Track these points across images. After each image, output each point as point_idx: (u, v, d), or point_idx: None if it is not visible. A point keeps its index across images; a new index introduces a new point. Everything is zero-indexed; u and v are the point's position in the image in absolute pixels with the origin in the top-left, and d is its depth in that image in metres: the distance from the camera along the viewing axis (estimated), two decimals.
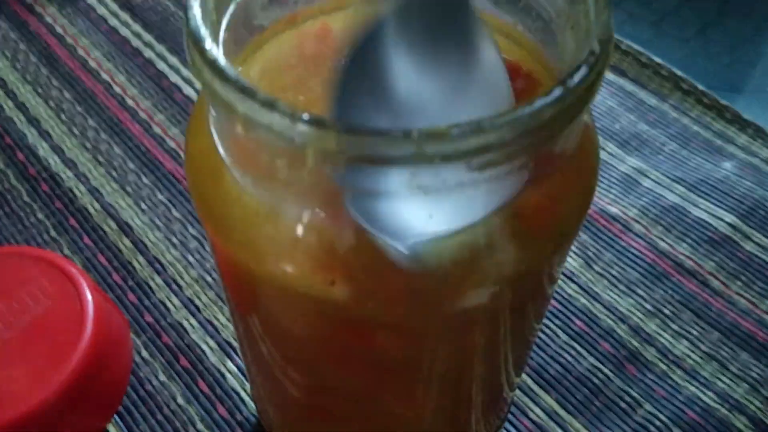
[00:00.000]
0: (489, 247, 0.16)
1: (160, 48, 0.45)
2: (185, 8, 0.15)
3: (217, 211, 0.17)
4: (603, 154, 0.40)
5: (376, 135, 0.12)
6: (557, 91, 0.13)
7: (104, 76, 0.44)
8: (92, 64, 0.45)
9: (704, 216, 0.38)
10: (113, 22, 0.47)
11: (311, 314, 0.17)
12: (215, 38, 0.15)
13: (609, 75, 0.44)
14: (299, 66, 0.18)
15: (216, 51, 0.14)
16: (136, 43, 0.46)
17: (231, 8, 0.16)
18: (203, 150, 0.17)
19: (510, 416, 0.31)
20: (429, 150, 0.13)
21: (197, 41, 0.14)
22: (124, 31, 0.46)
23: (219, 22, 0.16)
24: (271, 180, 0.15)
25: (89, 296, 0.30)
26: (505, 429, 0.31)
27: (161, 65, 0.44)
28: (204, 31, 0.14)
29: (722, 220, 0.37)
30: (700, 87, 0.43)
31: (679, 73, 0.44)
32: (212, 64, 0.13)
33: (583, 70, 0.13)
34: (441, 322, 0.17)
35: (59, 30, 0.46)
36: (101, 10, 0.48)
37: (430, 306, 0.16)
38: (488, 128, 0.13)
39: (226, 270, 0.19)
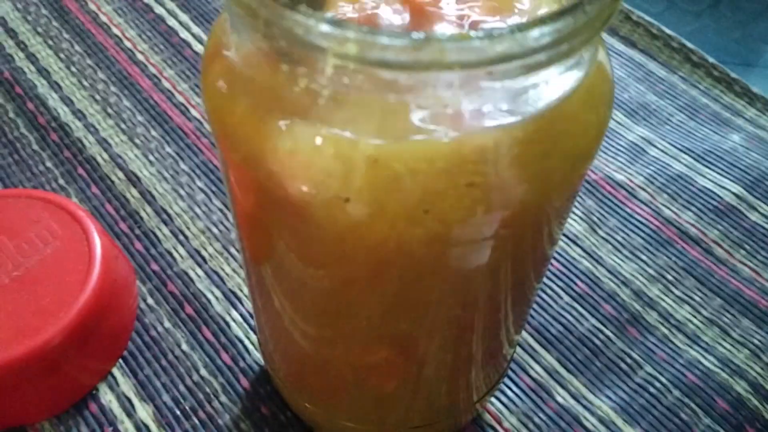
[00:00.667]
0: (500, 171, 0.16)
1: (171, 5, 0.45)
2: None
3: (233, 132, 0.17)
4: (611, 123, 0.41)
5: (397, 38, 0.13)
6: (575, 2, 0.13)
7: (115, 30, 0.44)
8: (103, 18, 0.44)
9: (710, 185, 0.38)
10: None
11: (324, 238, 0.17)
12: None
13: (619, 45, 0.44)
14: None
15: None
16: None
17: None
18: (220, 72, 0.17)
19: (511, 373, 0.31)
20: (451, 56, 0.13)
21: None
22: None
23: None
24: (288, 93, 0.15)
25: (97, 239, 0.30)
26: (506, 385, 0.31)
27: (171, 21, 0.44)
28: None
29: (728, 189, 0.37)
30: (710, 60, 0.43)
31: (689, 45, 0.43)
32: None
33: None
34: (449, 250, 0.17)
35: None
36: None
37: (442, 227, 0.16)
38: (509, 35, 0.13)
39: (241, 198, 0.19)
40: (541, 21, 0.13)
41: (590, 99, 0.17)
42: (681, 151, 0.39)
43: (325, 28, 0.13)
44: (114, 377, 0.30)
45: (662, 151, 0.39)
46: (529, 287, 0.24)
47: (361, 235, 0.16)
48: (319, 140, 0.15)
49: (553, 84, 0.15)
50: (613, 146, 0.39)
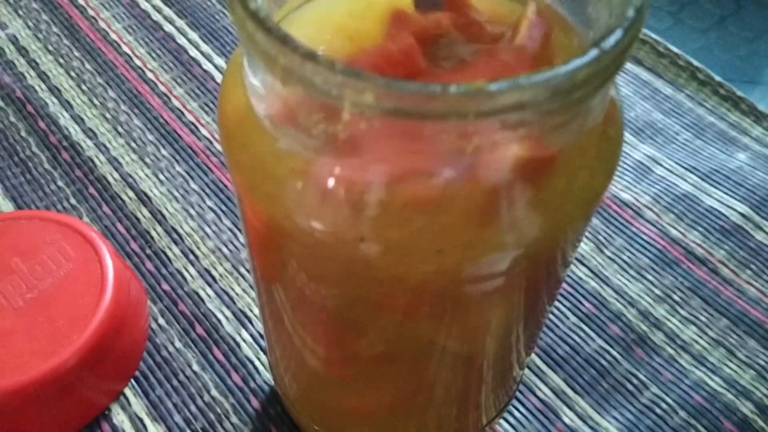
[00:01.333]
0: (513, 212, 0.16)
1: (181, 23, 0.46)
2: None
3: (249, 167, 0.17)
4: None
5: (414, 89, 0.13)
6: (593, 52, 0.13)
7: (125, 48, 0.44)
8: (113, 36, 0.45)
9: (716, 205, 0.38)
10: None
11: (338, 272, 0.17)
12: None
13: (626, 63, 0.45)
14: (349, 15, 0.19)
15: (258, 1, 0.14)
16: (156, 17, 0.46)
17: None
18: (237, 106, 0.18)
19: (518, 393, 0.31)
20: (465, 106, 0.13)
21: None
22: (145, 5, 0.47)
23: None
24: (305, 135, 0.16)
25: (109, 261, 0.31)
26: (514, 406, 0.31)
27: (181, 40, 0.45)
28: None
29: (734, 209, 0.38)
30: (717, 78, 0.43)
31: (695, 63, 0.44)
32: (254, 14, 0.14)
33: (618, 33, 0.14)
34: (463, 287, 0.18)
35: (81, 1, 0.47)
36: None
37: (455, 266, 0.16)
38: (524, 85, 0.13)
39: (254, 228, 0.20)
40: (557, 70, 0.13)
41: (603, 137, 0.18)
42: (687, 170, 0.39)
43: (342, 78, 0.13)
44: (126, 397, 0.31)
45: (668, 170, 0.39)
46: (541, 311, 0.25)
47: (375, 272, 0.16)
48: (333, 181, 0.16)
49: (567, 126, 0.16)
50: (619, 165, 0.39)
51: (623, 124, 0.19)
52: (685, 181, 0.39)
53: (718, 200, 0.38)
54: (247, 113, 0.17)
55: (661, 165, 0.40)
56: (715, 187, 0.39)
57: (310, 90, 0.14)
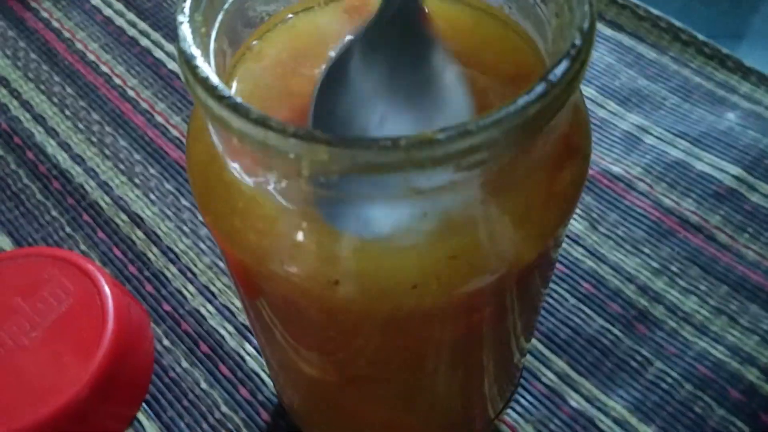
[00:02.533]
0: (483, 239, 0.16)
1: (156, 36, 0.46)
2: (175, 25, 0.15)
3: (221, 215, 0.17)
4: (603, 113, 0.40)
5: (366, 145, 0.13)
6: (539, 88, 0.13)
7: (103, 68, 0.44)
8: (91, 57, 0.45)
9: (708, 169, 0.38)
10: (108, 12, 0.47)
11: (317, 311, 0.18)
12: (206, 53, 0.15)
13: (606, 30, 0.44)
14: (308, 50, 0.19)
15: (208, 69, 0.14)
16: (132, 32, 0.46)
17: (220, 17, 0.17)
18: (204, 155, 0.18)
19: (523, 381, 0.32)
20: (418, 156, 0.13)
21: (188, 60, 0.14)
22: (119, 21, 0.46)
23: (209, 34, 0.16)
24: (270, 187, 0.16)
25: (108, 291, 0.31)
26: (519, 394, 0.31)
27: (158, 53, 0.45)
28: (195, 50, 0.14)
29: (727, 172, 0.37)
30: (700, 37, 0.43)
31: (678, 24, 0.43)
32: (204, 82, 0.14)
33: (564, 65, 0.14)
34: (447, 310, 0.18)
35: (56, 24, 0.47)
36: (95, 1, 0.47)
37: (433, 298, 0.16)
38: (474, 130, 0.13)
39: (234, 268, 0.20)
40: (507, 109, 0.13)
41: (568, 149, 0.18)
42: (677, 136, 0.39)
43: (295, 141, 0.13)
44: (140, 422, 0.31)
45: (658, 138, 0.39)
46: (536, 296, 0.25)
47: (351, 312, 0.17)
48: (303, 232, 0.16)
49: (529, 153, 0.16)
50: (608, 138, 0.39)
51: (589, 127, 0.19)
52: (676, 147, 0.39)
53: (710, 164, 0.38)
54: (212, 158, 0.18)
55: (650, 133, 0.39)
56: (707, 151, 0.38)
57: (266, 151, 0.14)
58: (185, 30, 0.15)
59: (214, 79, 0.14)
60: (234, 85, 0.19)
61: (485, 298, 0.19)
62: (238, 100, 0.14)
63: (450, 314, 0.19)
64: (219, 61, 0.17)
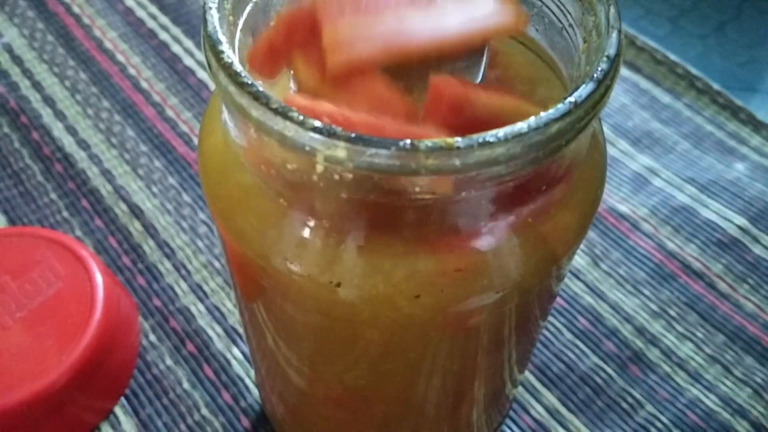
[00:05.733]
0: (490, 256, 0.16)
1: (176, 30, 0.45)
2: (203, 9, 0.15)
3: (228, 209, 0.17)
4: (614, 152, 0.40)
5: (385, 145, 0.13)
6: (564, 106, 0.13)
7: (119, 57, 0.44)
8: (108, 44, 0.45)
9: (714, 217, 0.37)
10: (129, 2, 0.47)
11: (315, 313, 0.17)
12: (231, 41, 0.15)
13: (624, 71, 0.44)
14: None
15: (232, 55, 0.14)
16: (151, 24, 0.46)
17: (248, 9, 0.16)
18: (216, 148, 0.17)
19: (511, 413, 0.31)
20: (435, 161, 0.13)
21: (214, 45, 0.14)
22: (140, 12, 0.46)
23: (236, 23, 0.16)
24: (281, 181, 0.15)
25: (99, 279, 0.31)
26: (506, 426, 0.31)
27: (176, 48, 0.45)
28: (221, 35, 0.14)
29: (732, 222, 0.37)
30: (715, 86, 0.43)
31: (694, 71, 0.43)
32: (228, 68, 0.14)
33: (590, 86, 0.13)
34: (446, 324, 0.17)
35: (76, 9, 0.47)
36: None
37: (433, 311, 0.16)
38: (494, 141, 0.13)
39: (235, 264, 0.19)
40: (529, 124, 0.13)
41: (585, 175, 0.17)
42: (685, 181, 0.39)
43: (314, 134, 0.13)
44: (116, 416, 0.31)
45: (666, 181, 0.39)
46: (534, 328, 0.24)
47: (350, 317, 0.16)
48: (309, 232, 0.15)
49: (545, 172, 0.15)
50: (617, 176, 0.39)
51: (606, 159, 0.19)
52: (683, 192, 0.39)
53: (715, 212, 0.38)
54: (225, 151, 0.17)
55: (659, 176, 0.39)
56: (713, 199, 0.38)
57: (283, 143, 0.13)
58: (213, 15, 0.14)
59: (237, 66, 0.14)
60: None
61: (484, 318, 0.19)
62: (260, 88, 0.13)
63: (448, 331, 0.18)
64: (242, 55, 0.17)
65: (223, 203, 0.17)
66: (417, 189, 0.13)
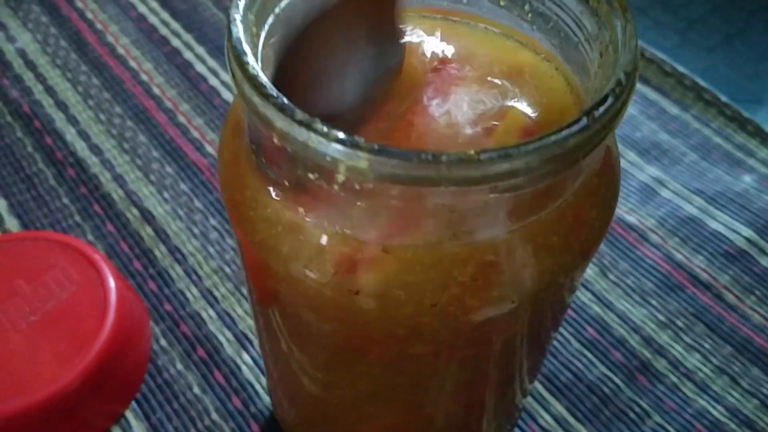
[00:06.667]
0: (507, 265, 0.16)
1: (187, 37, 0.46)
2: (228, 21, 0.15)
3: (247, 216, 0.17)
4: (622, 162, 0.41)
5: (406, 157, 0.13)
6: (583, 121, 0.13)
7: (132, 63, 0.44)
8: (120, 50, 0.45)
9: (721, 229, 0.38)
10: (142, 9, 0.47)
11: (333, 319, 0.17)
12: (255, 51, 0.15)
13: None
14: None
15: (257, 66, 0.14)
16: (164, 31, 0.46)
17: (270, 19, 0.17)
18: (236, 156, 0.18)
19: (520, 422, 0.31)
20: (456, 173, 0.13)
21: (239, 56, 0.14)
22: (153, 19, 0.47)
23: (258, 34, 0.16)
24: (301, 190, 0.16)
25: (112, 284, 0.31)
26: None
27: (188, 55, 0.45)
28: (245, 46, 0.14)
29: (739, 233, 0.37)
30: (723, 98, 0.43)
31: (702, 83, 0.43)
32: (253, 79, 0.14)
33: (609, 101, 0.14)
34: (461, 333, 0.18)
35: (89, 15, 0.47)
36: None
37: (452, 318, 0.16)
38: (515, 154, 0.13)
39: (252, 270, 0.20)
40: (549, 138, 0.13)
41: (599, 186, 0.18)
42: (693, 192, 0.39)
43: (337, 146, 0.13)
44: (127, 420, 0.31)
45: (674, 192, 0.39)
46: (546, 339, 0.25)
47: (369, 323, 0.16)
48: (328, 237, 0.16)
49: (560, 185, 0.16)
50: (625, 187, 0.39)
51: (619, 171, 0.19)
52: (691, 204, 0.39)
53: (723, 224, 0.38)
54: (245, 158, 0.18)
55: (667, 187, 0.39)
56: (721, 211, 0.38)
57: (306, 153, 0.14)
58: (238, 26, 0.15)
59: (262, 78, 0.14)
60: None
61: (498, 328, 0.19)
62: (285, 100, 0.14)
63: (463, 341, 0.18)
64: (264, 67, 0.17)
65: (241, 210, 0.18)
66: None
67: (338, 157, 0.13)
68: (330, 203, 0.16)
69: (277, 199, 0.17)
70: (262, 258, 0.18)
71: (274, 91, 0.14)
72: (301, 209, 0.16)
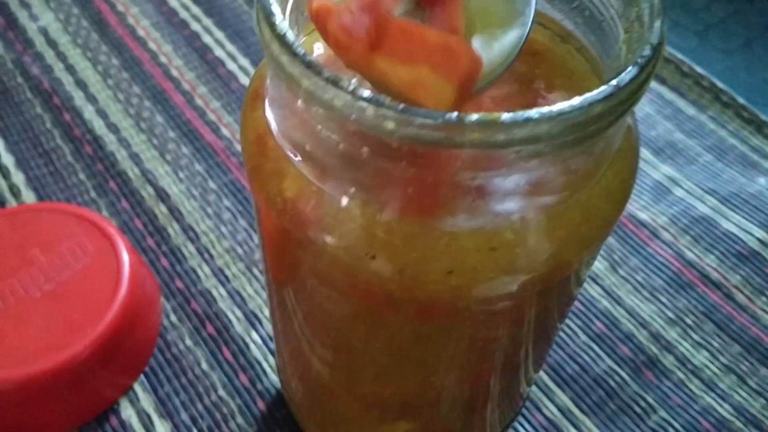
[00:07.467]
0: (524, 237, 0.16)
1: (207, 22, 0.46)
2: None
3: (266, 177, 0.17)
4: None
5: (433, 117, 0.13)
6: (607, 89, 0.14)
7: (151, 45, 0.45)
8: (140, 32, 0.45)
9: (734, 229, 0.38)
10: None
11: (348, 284, 0.18)
12: (284, 11, 0.15)
13: None
14: None
15: (285, 26, 0.14)
16: (184, 15, 0.47)
17: None
18: (257, 124, 0.18)
19: (524, 410, 0.31)
20: (480, 136, 0.13)
21: (267, 15, 0.15)
22: (173, 3, 0.47)
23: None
24: (322, 152, 0.16)
25: (126, 257, 0.31)
26: (519, 423, 0.31)
27: (207, 38, 0.45)
28: (274, 6, 0.15)
29: (752, 234, 0.37)
30: (740, 100, 0.43)
31: (719, 84, 0.43)
32: (281, 38, 0.14)
33: (633, 71, 0.14)
34: (472, 305, 0.18)
35: None
36: None
37: (465, 287, 0.16)
38: (538, 119, 0.13)
39: (270, 238, 0.20)
40: (572, 104, 0.13)
41: (617, 164, 0.18)
42: (706, 192, 0.39)
43: (363, 104, 0.13)
44: (135, 392, 0.31)
45: (687, 191, 0.39)
46: (552, 328, 0.25)
47: (384, 289, 0.17)
48: (347, 201, 0.16)
49: (581, 162, 0.16)
50: (638, 184, 0.39)
51: (639, 152, 0.19)
52: (704, 203, 0.39)
53: (735, 224, 0.38)
54: (266, 132, 0.18)
55: (681, 186, 0.39)
56: (734, 211, 0.38)
57: (331, 113, 0.14)
58: None
59: (290, 36, 0.14)
60: None
61: (508, 306, 0.19)
62: (312, 58, 0.14)
63: (472, 316, 0.19)
64: (292, 26, 0.17)
65: (262, 174, 0.18)
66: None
67: (363, 117, 0.13)
68: (351, 167, 0.16)
69: (297, 165, 0.17)
70: (280, 223, 0.18)
71: (302, 50, 0.14)
72: (321, 174, 0.16)
